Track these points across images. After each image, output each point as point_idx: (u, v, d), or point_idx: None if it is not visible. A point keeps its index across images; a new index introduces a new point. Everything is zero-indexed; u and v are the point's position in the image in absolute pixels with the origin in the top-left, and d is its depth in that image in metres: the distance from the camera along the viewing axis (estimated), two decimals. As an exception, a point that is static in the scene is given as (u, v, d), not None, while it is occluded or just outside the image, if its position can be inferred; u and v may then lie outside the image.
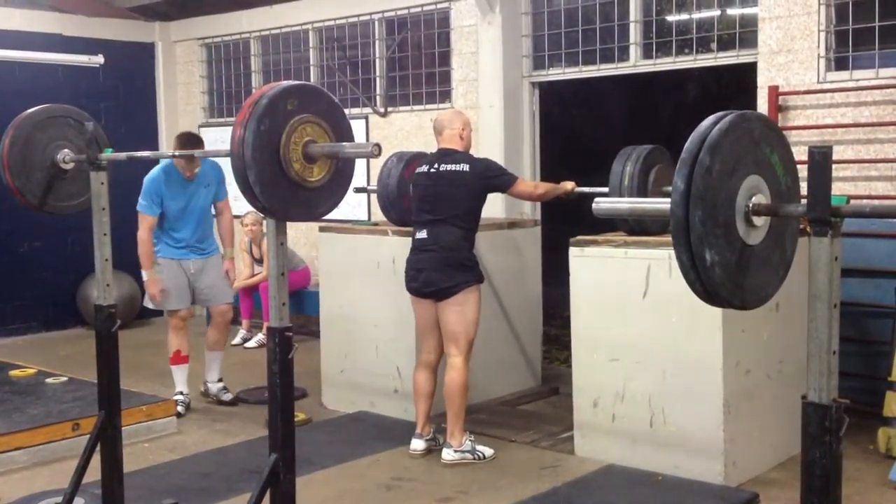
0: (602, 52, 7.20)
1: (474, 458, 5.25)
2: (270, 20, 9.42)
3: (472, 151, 5.56)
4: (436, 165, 5.37)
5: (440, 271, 5.25)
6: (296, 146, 3.04)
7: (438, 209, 5.31)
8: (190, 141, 6.54)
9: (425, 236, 5.32)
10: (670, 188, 5.90)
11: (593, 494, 4.81)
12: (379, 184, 6.13)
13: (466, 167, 5.30)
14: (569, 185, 5.52)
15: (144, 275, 6.42)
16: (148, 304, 6.60)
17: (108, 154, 3.92)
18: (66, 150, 4.06)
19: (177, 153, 6.06)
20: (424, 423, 5.43)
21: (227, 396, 6.60)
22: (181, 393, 6.48)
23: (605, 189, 5.23)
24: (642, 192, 5.12)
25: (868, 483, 4.77)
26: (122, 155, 3.98)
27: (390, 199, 6.05)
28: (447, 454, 5.25)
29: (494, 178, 5.36)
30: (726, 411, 4.73)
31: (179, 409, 6.30)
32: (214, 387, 6.66)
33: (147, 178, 6.34)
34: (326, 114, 3.14)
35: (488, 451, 5.32)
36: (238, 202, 8.12)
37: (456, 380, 5.27)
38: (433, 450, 5.38)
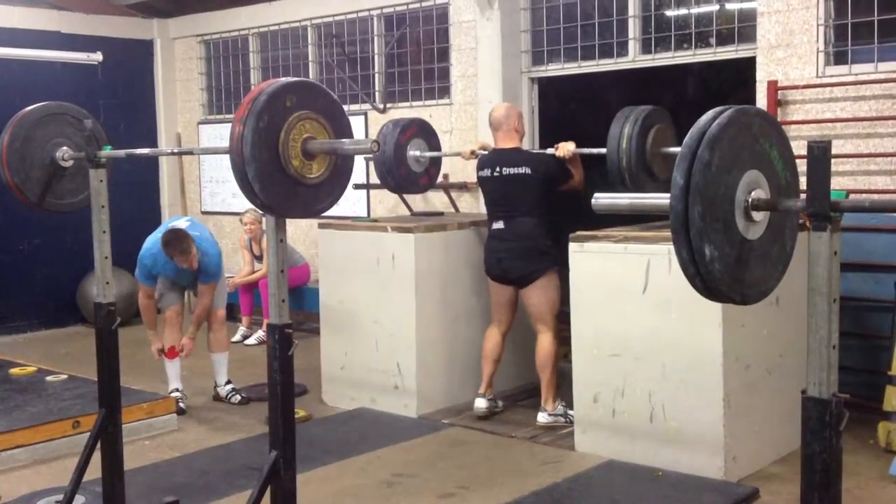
0: (601, 48, 7.19)
1: (566, 421, 5.63)
2: (269, 16, 9.42)
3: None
4: (498, 169, 5.81)
5: (522, 259, 5.75)
6: (295, 143, 3.03)
7: (511, 205, 5.79)
8: (176, 238, 6.17)
9: (502, 226, 5.83)
10: (670, 149, 5.89)
11: (593, 490, 4.81)
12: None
13: (528, 170, 5.75)
14: (571, 146, 5.72)
15: (148, 334, 6.56)
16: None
17: (107, 151, 3.92)
18: (65, 147, 4.05)
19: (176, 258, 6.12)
20: (488, 384, 5.93)
21: (237, 399, 6.59)
22: (177, 390, 6.48)
23: (604, 150, 5.21)
24: (640, 155, 5.09)
25: (868, 477, 4.77)
26: (121, 152, 3.98)
27: (388, 165, 6.11)
28: (542, 417, 5.70)
29: (555, 178, 5.78)
30: (726, 406, 4.73)
31: (182, 405, 6.31)
32: (223, 390, 6.66)
33: (142, 253, 6.39)
34: (325, 110, 3.13)
35: None
36: (238, 199, 8.12)
37: (547, 351, 5.75)
38: (494, 412, 5.92)
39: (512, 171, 5.77)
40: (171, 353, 6.53)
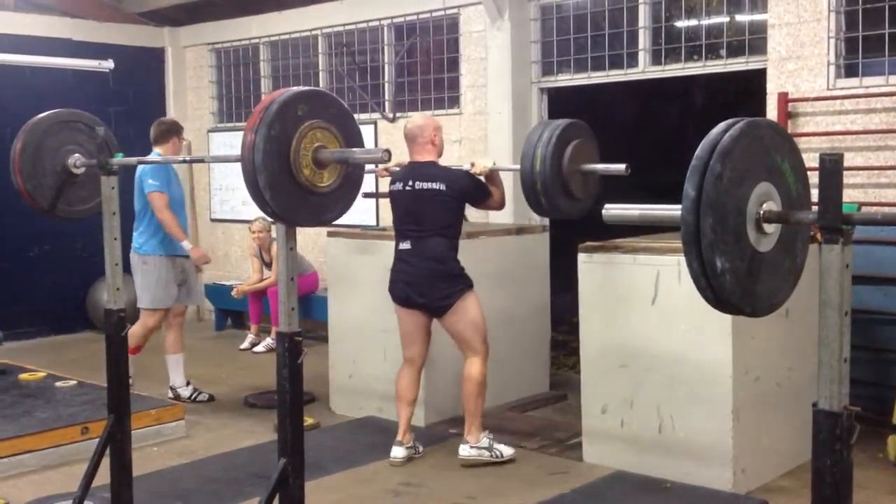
0: (611, 59, 7.20)
1: (491, 456, 5.25)
2: (280, 26, 9.45)
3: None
4: (411, 183, 5.31)
5: (432, 286, 5.27)
6: (306, 151, 3.05)
7: (422, 224, 5.29)
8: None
9: (409, 247, 5.33)
10: (588, 166, 5.54)
11: (601, 501, 4.80)
12: None
13: (443, 186, 5.26)
14: (488, 162, 5.42)
15: (186, 245, 6.52)
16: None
17: (118, 159, 3.94)
18: (76, 154, 4.07)
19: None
20: (406, 430, 5.41)
21: (204, 396, 6.67)
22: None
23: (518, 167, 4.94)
24: (556, 175, 4.75)
25: (877, 491, 4.75)
26: (133, 160, 4.01)
27: None
28: (464, 450, 5.27)
29: (472, 195, 5.38)
30: (735, 418, 4.72)
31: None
32: (185, 391, 6.68)
33: (152, 168, 6.48)
34: (336, 119, 3.15)
35: (508, 451, 5.32)
36: (247, 207, 8.14)
37: (475, 378, 5.27)
38: (413, 458, 5.41)
39: (425, 185, 5.26)
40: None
